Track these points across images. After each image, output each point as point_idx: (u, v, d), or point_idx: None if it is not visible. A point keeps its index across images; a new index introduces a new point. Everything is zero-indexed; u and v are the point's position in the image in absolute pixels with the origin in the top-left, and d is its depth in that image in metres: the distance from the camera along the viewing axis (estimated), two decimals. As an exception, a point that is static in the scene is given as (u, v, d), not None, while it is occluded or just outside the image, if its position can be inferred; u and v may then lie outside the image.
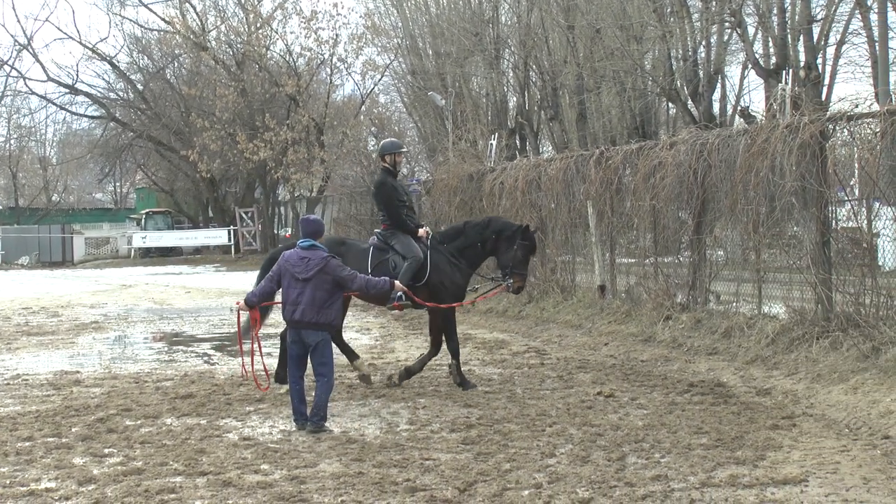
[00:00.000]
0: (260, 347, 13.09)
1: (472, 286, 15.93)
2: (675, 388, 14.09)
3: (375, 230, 15.57)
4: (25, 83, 71.59)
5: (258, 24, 59.30)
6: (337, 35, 58.32)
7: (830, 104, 21.09)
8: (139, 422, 12.49)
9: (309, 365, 12.14)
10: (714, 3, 36.60)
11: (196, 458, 10.48)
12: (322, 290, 11.98)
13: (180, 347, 20.40)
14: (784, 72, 33.53)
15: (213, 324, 24.77)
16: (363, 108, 61.98)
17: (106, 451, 10.95)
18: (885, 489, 8.96)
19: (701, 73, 38.87)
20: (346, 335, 20.92)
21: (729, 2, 35.16)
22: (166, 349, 20.11)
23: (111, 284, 42.45)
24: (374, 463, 10.15)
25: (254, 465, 10.19)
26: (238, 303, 12.80)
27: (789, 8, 35.00)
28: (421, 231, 14.89)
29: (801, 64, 34.12)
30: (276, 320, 15.64)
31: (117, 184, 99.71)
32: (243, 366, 13.36)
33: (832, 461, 9.88)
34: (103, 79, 70.98)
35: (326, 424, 11.87)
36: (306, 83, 58.71)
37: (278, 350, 14.97)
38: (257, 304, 12.56)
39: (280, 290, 12.30)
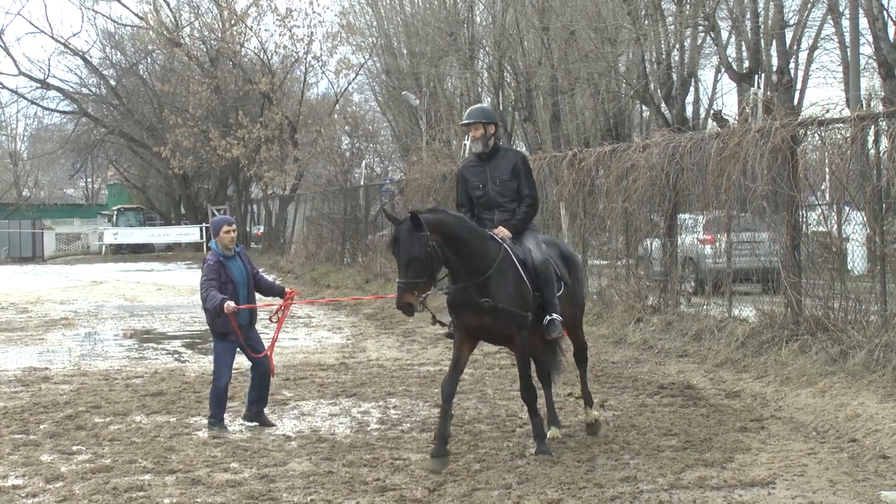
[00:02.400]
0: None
1: None
2: (645, 389, 14.13)
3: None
4: (-5, 77, 71.25)
5: (232, 21, 59.07)
6: (312, 33, 58.18)
7: (802, 109, 21.21)
8: (108, 419, 12.47)
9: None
10: (688, 6, 36.70)
11: (165, 455, 10.47)
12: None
13: (151, 345, 20.36)
14: (757, 76, 33.72)
15: (184, 321, 24.72)
16: (337, 106, 61.85)
17: (74, 448, 10.92)
18: (852, 492, 9.01)
19: (674, 76, 38.95)
20: (318, 333, 20.95)
21: (703, 5, 35.30)
22: (136, 346, 20.06)
23: (82, 281, 42.29)
24: (344, 462, 10.16)
25: (223, 463, 10.18)
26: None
27: (762, 12, 35.18)
28: None
29: (774, 68, 34.31)
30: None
31: (89, 179, 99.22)
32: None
33: (799, 464, 9.93)
34: (75, 74, 70.72)
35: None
36: (280, 81, 58.55)
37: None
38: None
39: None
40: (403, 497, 8.92)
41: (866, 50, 34.93)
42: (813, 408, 12.24)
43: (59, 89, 67.95)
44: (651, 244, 19.58)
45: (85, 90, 69.85)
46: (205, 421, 12.29)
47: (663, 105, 39.71)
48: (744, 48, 37.53)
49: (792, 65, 38.09)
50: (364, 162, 57.76)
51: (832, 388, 12.63)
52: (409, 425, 12.02)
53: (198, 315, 25.11)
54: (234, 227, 12.27)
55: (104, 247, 68.63)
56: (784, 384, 13.48)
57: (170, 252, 67.42)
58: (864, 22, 31.13)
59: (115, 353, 19.01)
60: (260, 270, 12.88)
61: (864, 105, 25.86)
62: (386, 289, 30.21)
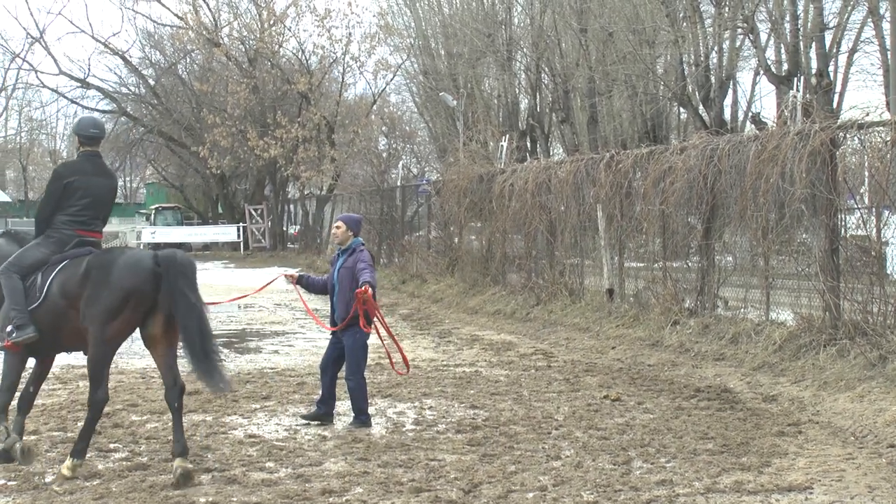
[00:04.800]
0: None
1: None
2: (681, 393, 14.08)
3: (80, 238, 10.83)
4: (37, 76, 71.69)
5: (271, 22, 59.34)
6: (350, 34, 58.42)
7: (841, 112, 21.10)
8: (145, 417, 12.52)
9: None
10: (727, 8, 36.58)
11: (201, 454, 10.50)
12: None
13: (187, 343, 20.39)
14: (796, 79, 33.53)
15: (221, 320, 24.77)
16: (374, 107, 62.01)
17: (111, 446, 10.97)
18: (890, 497, 8.95)
19: (713, 78, 38.87)
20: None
21: (742, 8, 35.18)
22: (173, 345, 20.11)
23: (120, 279, 42.40)
24: (379, 462, 10.16)
25: (259, 462, 10.20)
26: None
27: (802, 15, 35.03)
28: None
29: (813, 71, 34.17)
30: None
31: (127, 178, 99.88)
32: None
33: (837, 469, 9.87)
34: (115, 73, 71.29)
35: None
36: (318, 81, 58.75)
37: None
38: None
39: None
40: (439, 498, 8.92)
41: (906, 53, 34.67)
42: (851, 412, 12.16)
43: (98, 88, 68.43)
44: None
45: (124, 89, 70.33)
46: (241, 420, 12.33)
47: (701, 107, 39.63)
48: (783, 51, 37.37)
49: (831, 67, 37.94)
50: (401, 163, 57.89)
51: (871, 393, 12.55)
52: (444, 426, 12.01)
53: (234, 314, 25.22)
54: (338, 224, 12.83)
55: (142, 245, 68.94)
56: (822, 388, 13.40)
57: (207, 251, 67.62)
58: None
59: (152, 352, 19.06)
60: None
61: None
62: (421, 289, 30.27)
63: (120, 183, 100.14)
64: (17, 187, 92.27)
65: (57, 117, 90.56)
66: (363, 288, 11.90)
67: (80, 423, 10.61)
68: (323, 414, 12.30)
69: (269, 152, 56.26)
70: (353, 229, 12.64)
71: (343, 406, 12.95)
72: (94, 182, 10.31)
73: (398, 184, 43.75)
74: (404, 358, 12.96)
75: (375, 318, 12.47)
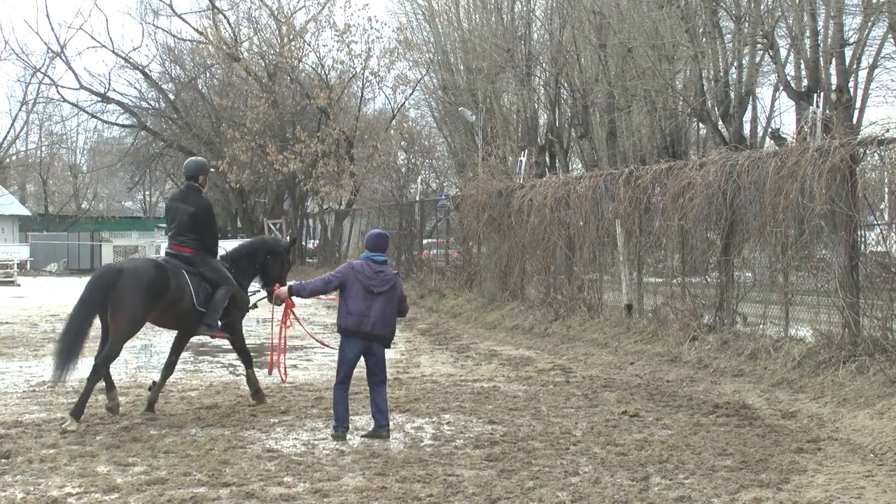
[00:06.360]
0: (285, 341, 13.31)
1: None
2: (700, 409, 14.05)
3: (167, 251, 14.54)
4: (58, 90, 72.14)
5: (291, 37, 59.53)
6: (370, 49, 58.59)
7: (861, 128, 21.00)
8: (164, 431, 12.54)
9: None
10: (747, 24, 36.54)
11: (219, 468, 10.51)
12: (391, 306, 12.22)
13: (206, 357, 20.46)
14: (815, 95, 33.45)
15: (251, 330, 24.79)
16: (393, 122, 62.15)
17: (130, 459, 10.99)
18: (910, 516, 8.92)
19: (732, 94, 38.77)
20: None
21: (761, 23, 35.13)
22: (192, 359, 20.15)
23: (139, 293, 42.53)
24: (397, 478, 10.16)
25: (277, 477, 10.21)
26: (277, 285, 13.16)
27: (822, 31, 34.92)
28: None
29: (833, 87, 34.03)
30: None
31: (147, 192, 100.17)
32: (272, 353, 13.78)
33: (857, 486, 9.84)
34: (135, 87, 71.60)
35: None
36: (337, 96, 58.92)
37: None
38: (297, 296, 12.80)
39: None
40: (456, 513, 8.92)
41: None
42: (871, 429, 12.12)
43: (118, 103, 68.77)
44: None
45: (144, 104, 70.63)
46: (259, 434, 12.36)
47: (720, 123, 39.54)
48: (802, 66, 37.24)
49: (851, 83, 37.78)
50: (420, 177, 57.97)
51: (890, 410, 12.51)
52: (462, 441, 12.01)
53: (252, 328, 25.23)
54: None
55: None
56: (841, 405, 13.37)
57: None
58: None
59: (170, 366, 19.11)
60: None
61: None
62: (440, 304, 30.27)
63: (139, 197, 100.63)
64: (37, 201, 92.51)
65: (77, 131, 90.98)
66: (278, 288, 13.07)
67: (99, 437, 10.64)
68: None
69: (288, 167, 56.41)
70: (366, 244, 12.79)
71: (361, 421, 12.96)
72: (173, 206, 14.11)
73: (417, 198, 43.81)
74: (277, 367, 14.45)
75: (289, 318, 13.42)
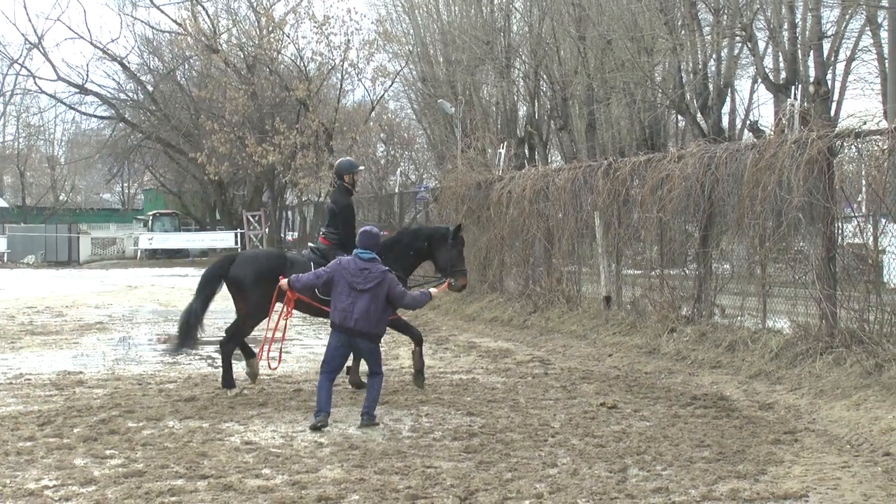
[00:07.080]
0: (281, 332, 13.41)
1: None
2: (678, 400, 14.08)
3: (310, 244, 16.14)
4: (35, 82, 71.93)
5: (270, 28, 59.33)
6: (349, 40, 58.43)
7: (839, 120, 21.05)
8: (141, 424, 12.50)
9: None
10: (725, 16, 36.63)
11: (197, 461, 10.49)
12: (377, 303, 12.24)
13: (184, 350, 20.39)
14: (793, 87, 33.57)
15: (218, 326, 24.68)
16: (373, 114, 62.08)
17: (107, 452, 10.96)
18: (886, 507, 8.96)
19: (711, 86, 38.90)
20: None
21: (740, 16, 35.22)
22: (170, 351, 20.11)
23: (117, 285, 42.50)
24: (375, 469, 10.16)
25: (255, 469, 10.20)
26: (281, 277, 13.12)
27: (800, 23, 35.06)
28: None
29: (811, 79, 34.20)
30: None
31: (125, 184, 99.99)
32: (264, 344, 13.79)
33: (833, 477, 9.88)
34: (113, 79, 71.29)
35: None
36: (317, 88, 58.76)
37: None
38: (294, 290, 12.98)
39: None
40: (434, 505, 8.93)
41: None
42: (847, 421, 12.17)
43: (96, 94, 68.51)
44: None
45: (122, 95, 70.34)
46: (237, 427, 12.35)
47: (699, 115, 39.69)
48: (781, 59, 37.41)
49: (829, 76, 37.98)
50: (399, 169, 57.94)
51: (867, 401, 12.56)
52: (440, 433, 12.01)
53: (231, 321, 25.14)
54: None
55: (139, 252, 68.87)
56: (818, 396, 13.42)
57: (205, 257, 67.48)
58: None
59: (148, 358, 19.07)
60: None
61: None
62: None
63: (118, 189, 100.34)
64: (14, 193, 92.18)
65: (55, 123, 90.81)
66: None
67: (77, 430, 10.61)
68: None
69: (267, 159, 56.27)
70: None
71: (339, 413, 12.96)
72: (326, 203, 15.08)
73: (396, 190, 43.77)
74: (259, 355, 14.57)
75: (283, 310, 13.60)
